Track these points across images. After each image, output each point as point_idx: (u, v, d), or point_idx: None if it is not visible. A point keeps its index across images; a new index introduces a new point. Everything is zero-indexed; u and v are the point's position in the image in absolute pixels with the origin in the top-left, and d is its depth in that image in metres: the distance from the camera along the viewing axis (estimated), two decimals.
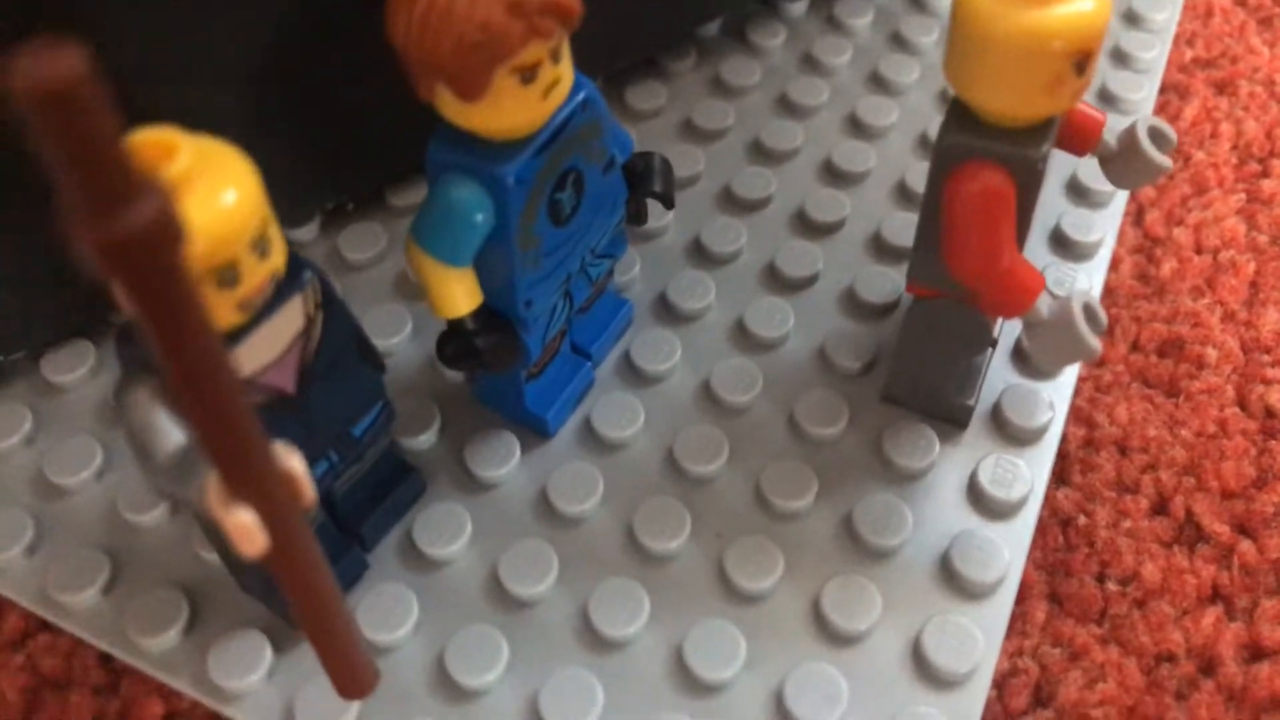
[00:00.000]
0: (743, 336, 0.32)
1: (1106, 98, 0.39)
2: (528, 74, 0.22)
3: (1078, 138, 0.27)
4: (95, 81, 0.13)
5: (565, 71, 0.24)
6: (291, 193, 0.33)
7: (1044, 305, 0.25)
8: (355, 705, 0.25)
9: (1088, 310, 0.25)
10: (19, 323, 0.31)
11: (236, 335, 0.20)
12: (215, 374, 0.16)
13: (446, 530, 0.28)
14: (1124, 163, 0.27)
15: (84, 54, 0.12)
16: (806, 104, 0.39)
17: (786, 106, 0.39)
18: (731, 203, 0.36)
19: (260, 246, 0.19)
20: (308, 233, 0.35)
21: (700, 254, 0.35)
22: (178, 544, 0.28)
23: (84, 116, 0.13)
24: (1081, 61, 0.23)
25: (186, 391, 0.16)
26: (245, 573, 0.26)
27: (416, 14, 0.22)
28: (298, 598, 0.20)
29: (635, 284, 0.34)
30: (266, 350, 0.21)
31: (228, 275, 0.19)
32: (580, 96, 0.25)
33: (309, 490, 0.19)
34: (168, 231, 0.14)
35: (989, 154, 0.24)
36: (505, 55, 0.22)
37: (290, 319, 0.22)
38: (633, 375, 0.32)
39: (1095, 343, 0.24)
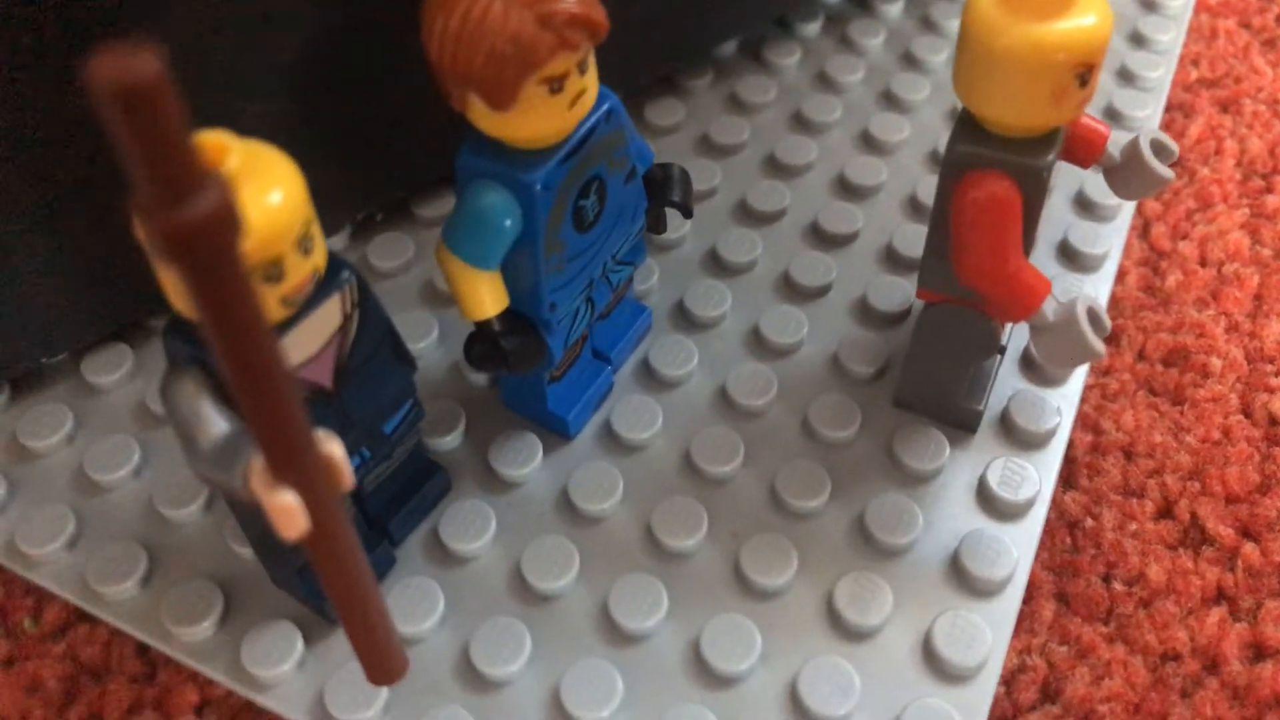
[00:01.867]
0: (758, 343, 0.33)
1: (1113, 115, 0.40)
2: (556, 84, 0.23)
3: (1083, 150, 0.28)
4: (167, 80, 0.14)
5: (591, 82, 0.25)
6: (323, 203, 0.35)
7: (1049, 308, 0.26)
8: (383, 694, 0.26)
9: (1091, 313, 0.26)
10: (61, 326, 0.32)
11: (279, 330, 0.21)
12: (266, 358, 0.17)
13: (472, 527, 0.29)
14: (1127, 174, 0.28)
15: (158, 55, 0.13)
16: (820, 120, 0.40)
17: (801, 123, 0.40)
18: (747, 215, 0.37)
19: (304, 244, 0.20)
20: (338, 242, 0.37)
21: (717, 264, 0.36)
22: (212, 538, 0.29)
23: (157, 113, 0.14)
24: (1084, 73, 0.24)
25: (238, 374, 0.17)
26: (277, 566, 0.27)
27: (451, 27, 0.23)
28: (334, 580, 0.21)
29: (654, 292, 0.35)
30: (306, 345, 0.22)
31: (273, 271, 0.20)
32: (605, 107, 0.26)
33: (348, 475, 0.20)
34: (229, 221, 0.15)
35: (996, 163, 0.25)
36: (535, 66, 0.23)
37: (329, 316, 0.23)
38: (651, 379, 0.33)
39: (1099, 345, 0.25)
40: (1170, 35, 0.43)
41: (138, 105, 0.14)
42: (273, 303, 0.21)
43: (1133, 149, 0.28)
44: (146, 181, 0.14)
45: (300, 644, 0.27)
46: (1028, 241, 0.26)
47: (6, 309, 0.31)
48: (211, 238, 0.15)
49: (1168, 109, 0.42)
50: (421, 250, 0.36)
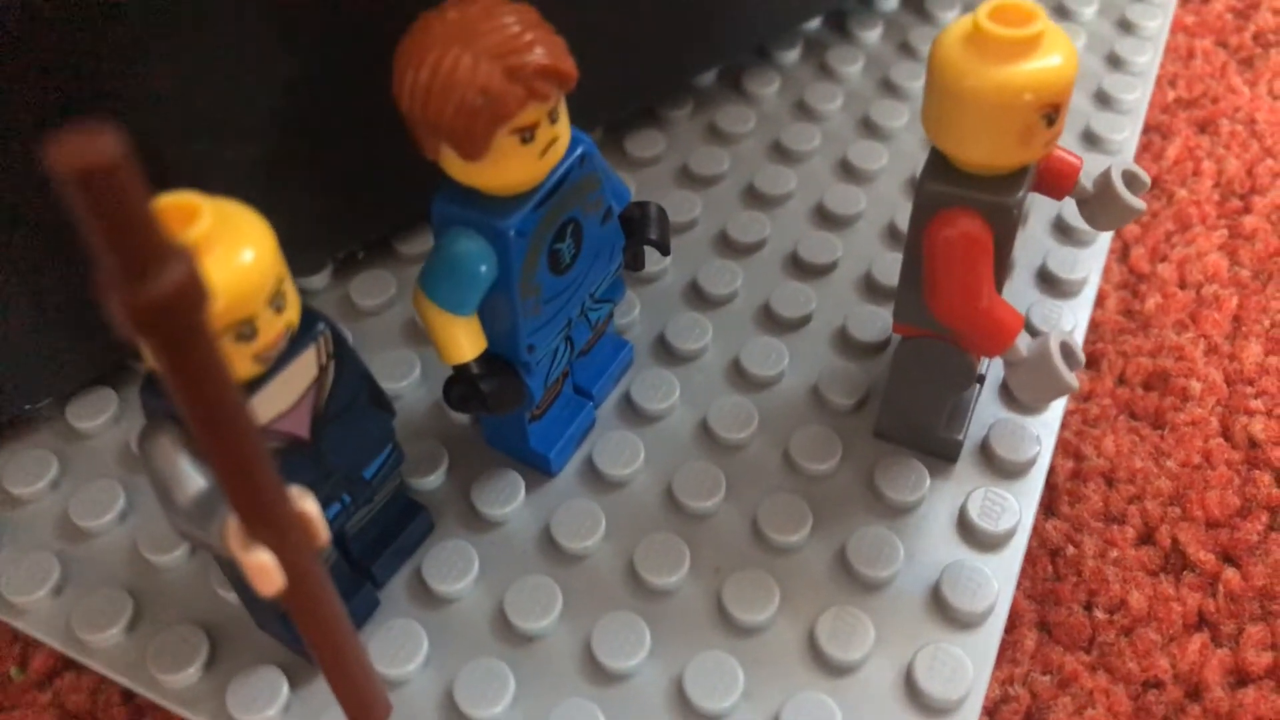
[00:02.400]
0: (739, 375, 0.34)
1: (1090, 138, 0.40)
2: (526, 134, 0.24)
3: (1055, 182, 0.28)
4: (129, 161, 0.14)
5: (562, 130, 0.25)
6: (305, 242, 0.35)
7: (1023, 344, 0.26)
8: None
9: (1065, 348, 0.26)
10: (45, 372, 0.32)
11: (253, 386, 0.22)
12: (235, 424, 0.17)
13: (455, 567, 0.29)
14: (1099, 206, 0.28)
15: (119, 136, 0.14)
16: (799, 149, 0.40)
17: (780, 152, 0.40)
18: (727, 246, 0.37)
19: (276, 302, 0.21)
20: (320, 280, 0.37)
21: (697, 296, 0.36)
22: (197, 583, 0.29)
23: (119, 193, 0.14)
24: (1050, 113, 0.24)
25: (208, 440, 0.17)
26: (262, 611, 0.27)
27: (421, 80, 0.23)
28: (312, 633, 0.21)
29: (635, 326, 0.35)
30: (282, 399, 0.23)
31: (246, 330, 0.20)
32: (578, 152, 0.26)
33: (323, 531, 0.20)
34: (194, 294, 0.15)
35: (966, 201, 0.25)
36: (505, 118, 0.23)
37: (304, 369, 0.23)
38: (633, 414, 0.33)
39: (1072, 379, 0.25)
40: (1147, 57, 0.43)
41: (98, 186, 0.14)
42: (246, 361, 0.21)
43: (1104, 180, 0.28)
44: (110, 258, 0.14)
45: (285, 688, 0.27)
46: (1000, 276, 0.27)
47: None
48: (176, 312, 0.15)
49: (1145, 130, 0.43)
50: (404, 287, 0.36)
